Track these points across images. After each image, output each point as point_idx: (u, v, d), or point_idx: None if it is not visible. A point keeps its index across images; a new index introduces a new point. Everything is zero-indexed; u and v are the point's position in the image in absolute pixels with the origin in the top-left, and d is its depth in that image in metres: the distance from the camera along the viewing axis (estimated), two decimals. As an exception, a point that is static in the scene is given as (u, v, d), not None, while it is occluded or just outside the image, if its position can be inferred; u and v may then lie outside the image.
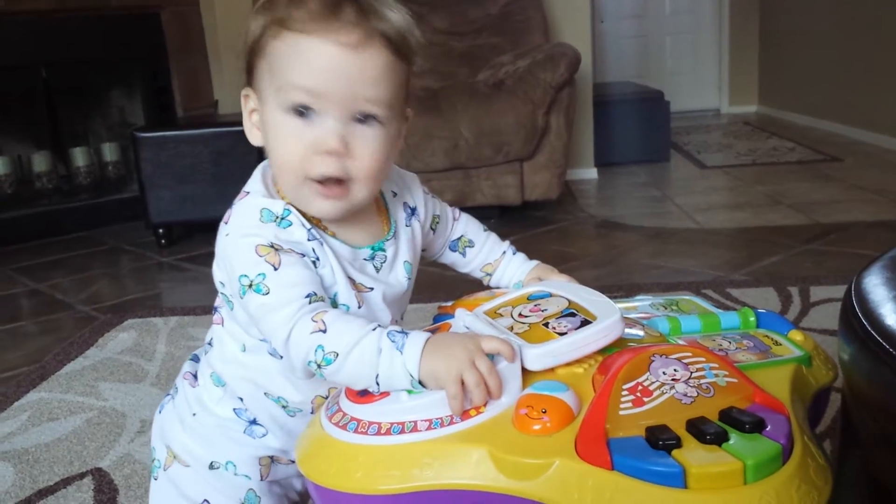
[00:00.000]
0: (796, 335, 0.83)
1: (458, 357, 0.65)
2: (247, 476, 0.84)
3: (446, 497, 0.62)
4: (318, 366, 0.69)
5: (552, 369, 0.69)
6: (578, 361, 0.69)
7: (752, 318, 0.86)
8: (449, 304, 0.88)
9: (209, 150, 2.95)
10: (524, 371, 0.68)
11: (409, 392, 0.67)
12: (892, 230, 2.70)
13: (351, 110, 0.72)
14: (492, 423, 0.64)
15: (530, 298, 0.79)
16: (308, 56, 0.71)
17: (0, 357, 2.06)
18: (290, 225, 0.75)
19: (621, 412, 0.63)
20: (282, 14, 0.72)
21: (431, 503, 0.63)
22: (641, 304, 0.92)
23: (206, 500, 0.83)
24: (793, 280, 2.16)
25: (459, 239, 0.94)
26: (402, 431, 0.65)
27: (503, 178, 3.04)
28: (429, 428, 0.65)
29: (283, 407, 0.82)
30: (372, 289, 0.78)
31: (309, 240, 0.75)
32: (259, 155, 0.81)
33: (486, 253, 0.94)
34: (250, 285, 0.71)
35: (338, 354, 0.68)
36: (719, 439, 0.60)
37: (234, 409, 0.83)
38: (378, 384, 0.68)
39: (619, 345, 0.71)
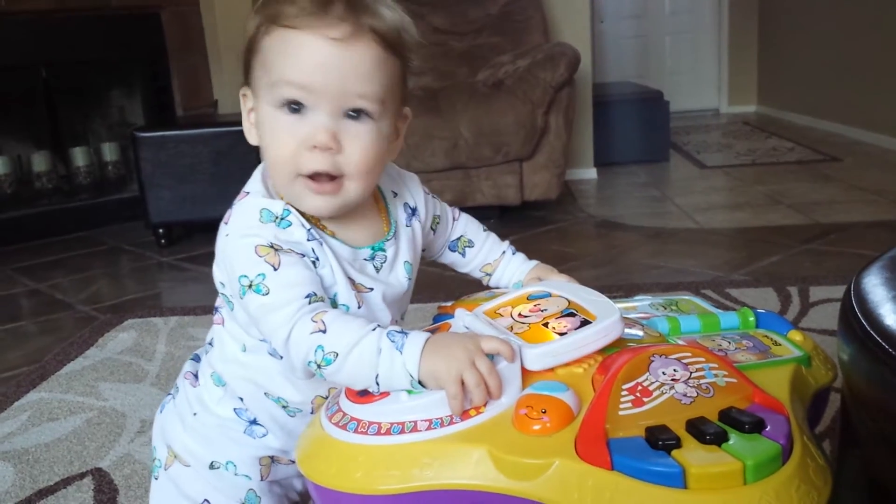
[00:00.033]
0: (796, 335, 0.83)
1: (458, 357, 0.65)
2: (247, 476, 0.84)
3: (446, 497, 0.62)
4: (318, 366, 0.69)
5: (552, 369, 0.69)
6: (578, 361, 0.69)
7: (752, 319, 0.86)
8: (449, 304, 0.88)
9: (209, 150, 2.95)
10: (524, 371, 0.68)
11: (409, 392, 0.67)
12: (892, 230, 2.70)
13: (342, 105, 0.72)
14: (492, 424, 0.64)
15: (530, 298, 0.79)
16: (298, 51, 0.71)
17: (0, 357, 2.06)
18: (289, 225, 0.75)
19: (621, 412, 0.63)
20: (274, 11, 0.73)
21: (431, 503, 0.63)
22: (641, 304, 0.92)
23: (206, 500, 0.83)
24: (792, 280, 2.16)
25: (459, 239, 0.94)
26: (401, 431, 0.65)
27: (503, 178, 3.04)
28: (429, 428, 0.65)
29: (284, 407, 0.82)
30: (372, 289, 0.79)
31: (308, 240, 0.75)
32: (259, 155, 0.82)
33: (485, 253, 0.94)
34: (250, 285, 0.72)
35: (337, 354, 0.68)
36: (719, 439, 0.60)
37: (235, 409, 0.83)
38: (378, 384, 0.68)
39: (619, 345, 0.71)
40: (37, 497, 1.35)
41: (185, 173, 2.96)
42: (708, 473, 0.58)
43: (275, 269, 0.71)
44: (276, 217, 0.75)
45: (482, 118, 2.95)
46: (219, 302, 0.83)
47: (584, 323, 0.71)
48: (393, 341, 0.68)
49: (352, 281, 0.77)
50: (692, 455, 0.59)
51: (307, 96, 0.72)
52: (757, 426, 0.62)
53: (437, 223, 0.91)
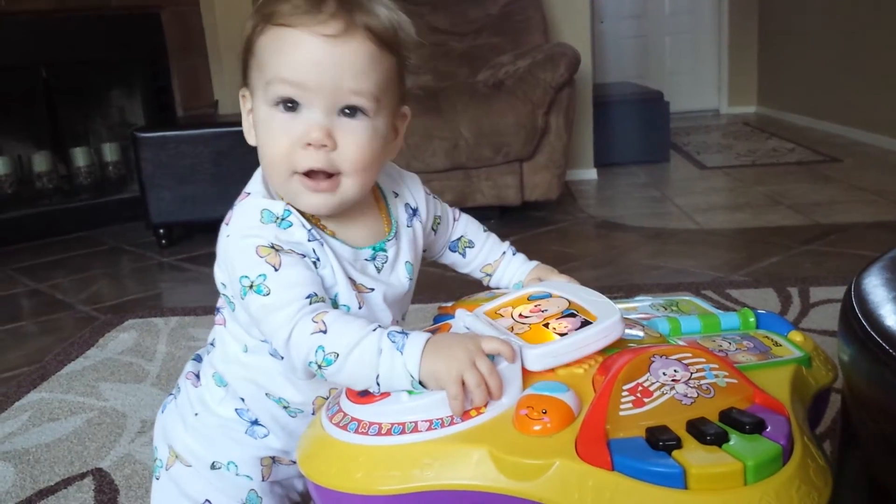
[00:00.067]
0: (796, 336, 0.83)
1: (459, 358, 0.65)
2: (248, 476, 0.84)
3: (447, 497, 0.63)
4: (319, 366, 0.69)
5: (552, 370, 0.69)
6: (579, 362, 0.69)
7: (752, 319, 0.86)
8: (449, 304, 0.88)
9: (209, 150, 2.96)
10: (524, 371, 0.68)
11: (410, 392, 0.67)
12: (892, 231, 2.70)
13: (336, 103, 0.72)
14: (492, 424, 0.64)
15: (530, 299, 0.79)
16: (291, 49, 0.71)
17: (1, 357, 2.07)
18: (290, 226, 0.75)
19: (621, 413, 0.63)
20: (269, 10, 0.73)
21: None
22: (641, 304, 0.92)
23: (207, 500, 0.83)
24: (792, 281, 2.16)
25: (459, 239, 0.94)
26: (402, 432, 0.65)
27: (503, 179, 3.04)
28: (429, 428, 0.65)
29: (285, 408, 0.82)
30: (373, 289, 0.79)
31: (309, 240, 0.75)
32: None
33: (485, 253, 0.94)
34: (251, 286, 0.72)
35: (338, 355, 0.68)
36: (719, 440, 0.60)
37: (236, 410, 0.83)
38: (378, 385, 0.68)
39: (620, 345, 0.71)
40: (37, 497, 1.35)
41: (186, 174, 2.96)
42: (708, 474, 0.58)
43: (276, 270, 0.72)
44: (277, 217, 0.75)
45: (482, 118, 2.96)
46: (220, 303, 0.83)
47: (585, 323, 0.71)
48: (393, 342, 0.68)
49: (353, 281, 0.77)
50: (693, 455, 0.59)
51: (301, 94, 0.72)
52: (757, 427, 0.62)
53: (438, 223, 0.91)
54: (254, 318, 0.74)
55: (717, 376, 0.68)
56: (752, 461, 0.58)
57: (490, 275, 0.94)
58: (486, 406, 0.65)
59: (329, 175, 0.74)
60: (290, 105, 0.73)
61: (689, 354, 0.70)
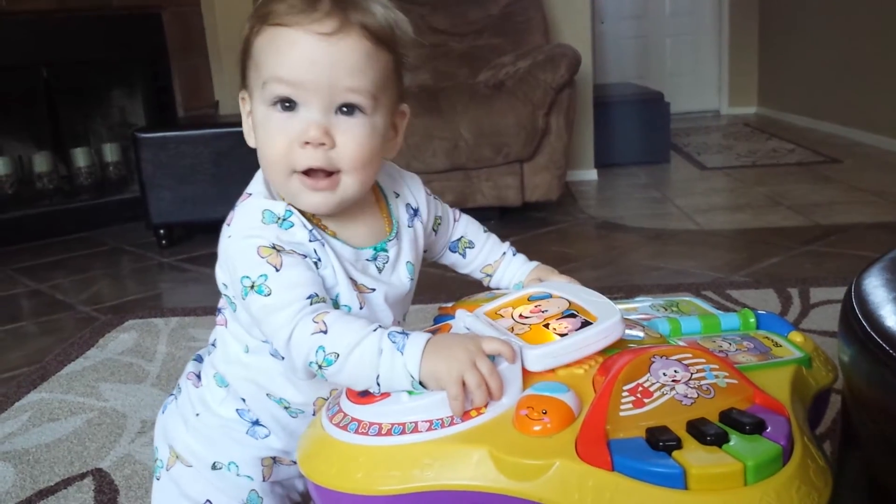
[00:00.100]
0: (796, 336, 0.83)
1: (459, 358, 0.65)
2: (249, 477, 0.84)
3: (447, 498, 0.63)
4: (319, 366, 0.69)
5: (553, 370, 0.69)
6: (579, 362, 0.69)
7: (752, 320, 0.86)
8: (449, 304, 0.88)
9: (210, 151, 2.96)
10: (524, 372, 0.68)
11: (410, 393, 0.67)
12: (892, 231, 2.70)
13: (332, 101, 0.72)
14: (492, 424, 0.64)
15: (531, 299, 0.79)
16: (286, 48, 0.72)
17: (1, 357, 2.07)
18: (291, 226, 0.75)
19: (622, 413, 0.63)
20: (265, 11, 0.73)
21: (432, 503, 0.63)
22: (641, 305, 0.92)
23: (208, 501, 0.84)
24: (792, 281, 2.16)
25: (459, 240, 0.94)
26: (402, 432, 0.65)
27: (503, 179, 3.04)
28: (429, 429, 0.65)
29: (286, 408, 0.82)
30: (374, 289, 0.79)
31: (310, 241, 0.75)
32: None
33: (486, 254, 0.94)
34: (252, 286, 0.72)
35: (338, 355, 0.68)
36: (719, 440, 0.60)
37: (237, 410, 0.83)
38: (379, 385, 0.68)
39: (620, 346, 0.71)
40: (37, 497, 1.35)
41: (186, 174, 2.96)
42: (708, 474, 0.58)
43: (277, 270, 0.72)
44: (279, 218, 0.75)
45: (483, 119, 2.96)
46: (221, 303, 0.83)
47: (585, 324, 0.71)
48: (394, 342, 0.68)
49: (354, 281, 0.77)
50: (693, 456, 0.59)
51: (297, 92, 0.72)
52: (757, 427, 0.62)
53: (439, 224, 0.91)
54: (255, 318, 0.74)
55: (717, 377, 0.68)
56: (752, 461, 0.58)
57: (490, 275, 0.94)
58: (486, 406, 0.65)
59: (328, 173, 0.74)
60: (288, 104, 0.73)
61: (690, 355, 0.70)
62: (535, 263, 0.93)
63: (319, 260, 0.75)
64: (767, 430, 0.62)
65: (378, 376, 0.68)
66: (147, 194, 2.98)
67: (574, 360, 0.69)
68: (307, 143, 0.73)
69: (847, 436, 0.92)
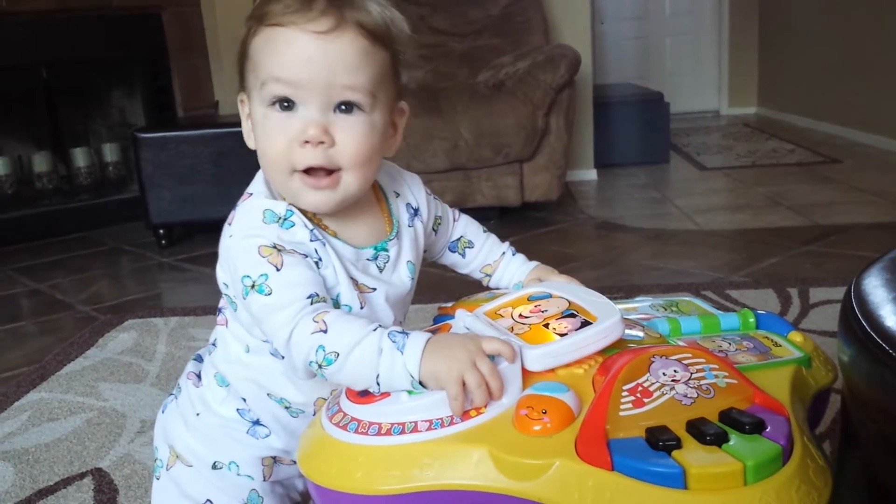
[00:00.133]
0: (796, 336, 0.83)
1: (459, 358, 0.65)
2: (249, 476, 0.84)
3: (447, 497, 0.63)
4: (319, 366, 0.69)
5: (552, 370, 0.69)
6: (579, 362, 0.69)
7: (752, 320, 0.86)
8: (449, 304, 0.88)
9: (210, 151, 2.96)
10: (524, 372, 0.68)
11: (410, 392, 0.67)
12: (892, 232, 2.70)
13: (330, 99, 0.73)
14: (492, 424, 0.64)
15: (530, 299, 0.79)
16: (283, 48, 0.72)
17: (0, 357, 2.07)
18: (292, 226, 0.75)
19: (621, 413, 0.63)
20: (261, 12, 0.74)
21: (432, 503, 0.63)
22: (641, 305, 0.92)
23: (208, 500, 0.84)
24: (792, 281, 2.16)
25: (459, 240, 0.94)
26: (402, 432, 0.65)
27: (503, 180, 3.04)
28: (429, 428, 0.65)
29: (286, 408, 0.82)
30: (375, 289, 0.79)
31: (311, 240, 0.75)
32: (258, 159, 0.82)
33: (485, 254, 0.94)
34: (253, 286, 0.72)
35: (338, 355, 0.68)
36: (719, 440, 0.60)
37: (238, 410, 0.83)
38: (379, 384, 0.68)
39: (620, 346, 0.71)
40: (37, 497, 1.35)
41: (186, 174, 2.97)
42: (708, 474, 0.58)
43: (277, 270, 0.72)
44: (279, 217, 0.75)
45: (483, 119, 2.96)
46: (222, 303, 0.83)
47: (585, 324, 0.71)
48: (394, 341, 0.68)
49: (354, 281, 0.77)
50: (692, 456, 0.59)
51: (295, 92, 0.72)
52: (757, 427, 0.62)
53: (439, 224, 0.91)
54: (255, 317, 0.74)
55: (716, 376, 0.68)
56: (751, 461, 0.58)
57: (490, 275, 0.94)
58: (485, 406, 0.65)
59: (329, 172, 0.74)
60: (286, 104, 0.73)
61: (689, 355, 0.70)
62: (534, 263, 0.93)
63: (320, 260, 0.75)
64: (767, 430, 0.62)
65: (378, 376, 0.68)
66: (147, 194, 2.98)
67: (574, 360, 0.69)
68: (307, 141, 0.73)
69: (847, 435, 0.92)
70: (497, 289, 0.93)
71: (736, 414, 0.64)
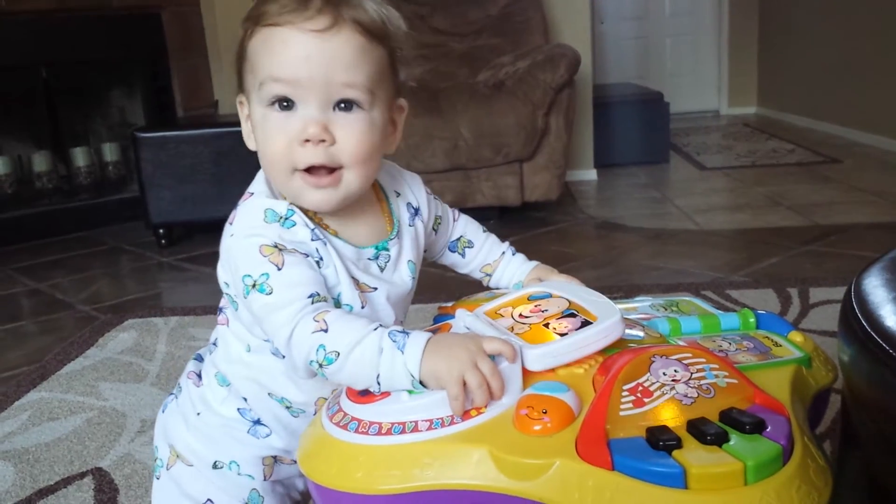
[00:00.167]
0: (796, 336, 0.83)
1: (460, 358, 0.65)
2: (250, 476, 0.84)
3: (447, 497, 0.63)
4: (320, 365, 0.70)
5: (553, 370, 0.69)
6: (579, 362, 0.69)
7: (752, 320, 0.86)
8: (449, 304, 0.88)
9: (209, 151, 2.96)
10: (524, 371, 0.68)
11: (410, 392, 0.67)
12: (892, 232, 2.70)
13: (329, 97, 0.73)
14: (492, 424, 0.64)
15: (531, 299, 0.79)
16: (281, 47, 0.72)
17: (0, 357, 2.07)
18: (293, 225, 0.75)
19: (622, 413, 0.63)
20: (257, 13, 0.74)
21: (432, 503, 0.63)
22: (641, 304, 0.92)
23: (209, 500, 0.84)
24: (792, 281, 2.16)
25: (459, 239, 0.94)
26: (402, 431, 0.65)
27: (503, 179, 3.04)
28: (429, 428, 0.65)
29: (287, 407, 0.82)
30: (376, 288, 0.79)
31: (313, 240, 0.75)
32: (259, 159, 0.82)
33: (485, 253, 0.94)
34: (254, 285, 0.72)
35: (339, 354, 0.68)
36: (720, 440, 0.60)
37: (239, 409, 0.83)
38: (379, 384, 0.68)
39: (620, 345, 0.71)
40: (37, 496, 1.35)
41: (186, 173, 2.97)
42: (709, 474, 0.58)
43: (278, 269, 0.72)
44: (281, 217, 0.75)
45: (482, 119, 2.96)
46: (223, 302, 0.83)
47: (585, 323, 0.71)
48: (394, 341, 0.68)
49: (355, 281, 0.77)
50: (693, 455, 0.59)
51: (294, 91, 0.72)
52: (758, 427, 0.62)
53: (439, 223, 0.91)
54: (256, 316, 0.74)
55: (717, 376, 0.68)
56: (752, 461, 0.58)
57: (490, 275, 0.94)
58: (486, 406, 0.65)
59: (330, 170, 0.74)
60: (286, 104, 0.73)
61: (690, 354, 0.70)
62: (534, 263, 0.93)
63: (321, 259, 0.75)
64: (767, 430, 0.62)
65: (378, 375, 0.68)
66: (146, 194, 2.98)
67: (574, 360, 0.69)
68: (307, 140, 0.73)
69: (847, 435, 0.92)
70: (497, 288, 0.93)
71: (736, 414, 0.64)
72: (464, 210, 0.96)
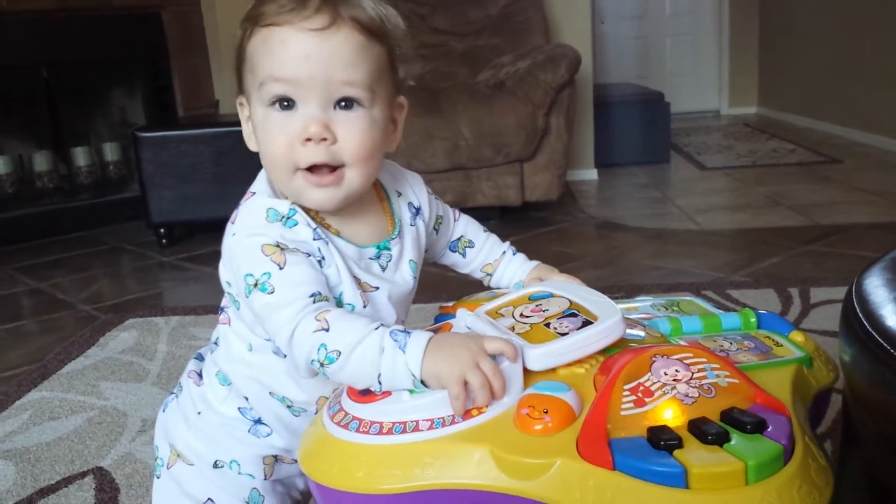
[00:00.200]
0: (797, 336, 0.83)
1: (462, 358, 0.65)
2: (251, 475, 0.84)
3: (448, 497, 0.63)
4: (321, 364, 0.70)
5: (554, 369, 0.69)
6: (580, 362, 0.69)
7: (753, 319, 0.86)
8: (450, 304, 0.88)
9: (210, 150, 2.96)
10: (525, 371, 0.68)
11: (411, 392, 0.67)
12: (892, 232, 2.70)
13: (330, 96, 0.73)
14: (493, 423, 0.64)
15: (532, 299, 0.79)
16: (280, 47, 0.72)
17: (1, 356, 2.07)
18: (295, 224, 0.75)
19: (623, 412, 0.63)
20: (256, 13, 0.74)
21: (433, 503, 0.63)
22: (642, 304, 0.92)
23: (209, 499, 0.84)
24: (793, 281, 2.16)
25: (459, 239, 0.94)
26: (403, 431, 0.65)
27: (503, 179, 3.04)
28: (430, 427, 0.65)
29: (288, 406, 0.82)
30: (377, 288, 0.79)
31: (314, 239, 0.75)
32: (260, 160, 0.82)
33: (486, 253, 0.94)
34: (256, 284, 0.72)
35: (340, 353, 0.68)
36: (721, 440, 0.60)
37: (239, 409, 0.83)
38: (380, 383, 0.68)
39: (621, 345, 0.71)
40: (38, 496, 1.35)
41: (187, 173, 2.97)
42: (710, 473, 0.58)
43: (280, 268, 0.72)
44: (283, 216, 0.75)
45: (483, 119, 2.96)
46: (225, 302, 0.83)
47: (586, 323, 0.71)
48: (396, 340, 0.68)
49: (357, 280, 0.77)
50: (694, 455, 0.59)
51: (294, 90, 0.72)
52: (759, 426, 0.62)
53: (440, 223, 0.91)
54: (258, 316, 0.74)
55: (718, 376, 0.68)
56: (753, 461, 0.58)
57: (490, 274, 0.94)
58: (487, 405, 0.65)
59: (333, 169, 0.74)
60: (286, 103, 0.73)
61: (691, 354, 0.69)
62: (535, 263, 0.93)
63: (323, 258, 0.75)
64: (769, 430, 0.62)
65: (380, 375, 0.68)
66: (147, 193, 2.99)
67: (575, 360, 0.69)
68: (308, 139, 0.73)
69: (848, 435, 0.92)
70: (498, 288, 0.93)
71: (737, 413, 0.63)
72: (464, 210, 0.96)
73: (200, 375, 0.87)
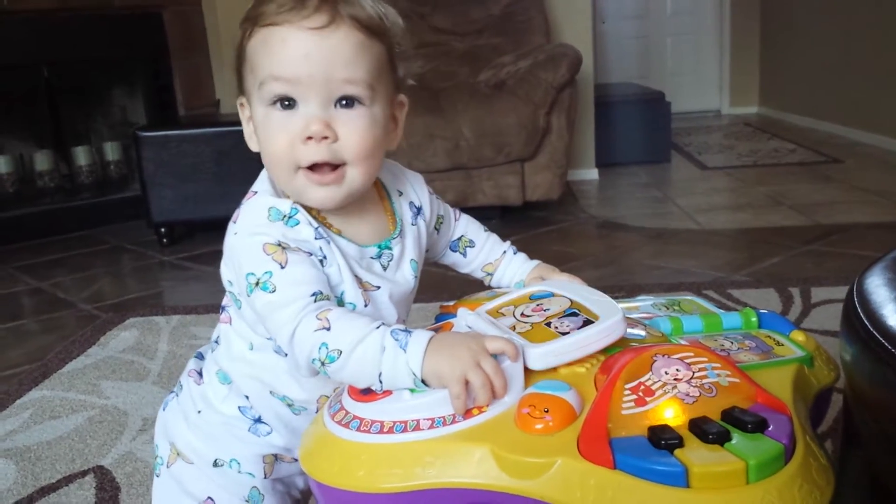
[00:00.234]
0: (798, 336, 0.83)
1: (463, 357, 0.65)
2: (251, 474, 0.84)
3: (448, 496, 0.63)
4: (322, 363, 0.70)
5: (554, 369, 0.69)
6: (581, 361, 0.69)
7: (754, 319, 0.86)
8: (451, 303, 0.88)
9: (211, 150, 2.96)
10: (526, 370, 0.68)
11: (412, 391, 0.67)
12: (893, 231, 2.70)
13: (330, 94, 0.73)
14: (494, 422, 0.64)
15: (532, 298, 0.79)
16: (280, 46, 0.72)
17: (2, 355, 2.07)
18: (297, 223, 0.75)
19: (623, 412, 0.63)
20: (255, 13, 0.74)
21: (434, 502, 0.63)
22: (643, 304, 0.92)
23: (209, 498, 0.84)
24: (794, 281, 2.16)
25: (460, 239, 0.94)
26: (404, 430, 0.65)
27: (504, 179, 3.04)
28: (431, 427, 0.65)
29: (289, 405, 0.82)
30: (379, 287, 0.79)
31: (316, 238, 0.75)
32: (260, 160, 0.82)
33: (486, 253, 0.94)
34: (257, 283, 0.72)
35: (341, 352, 0.68)
36: (722, 439, 0.60)
37: (240, 407, 0.83)
38: (381, 382, 0.68)
39: (622, 344, 0.71)
40: (39, 495, 1.35)
41: (187, 172, 2.97)
42: (710, 473, 0.58)
43: (282, 267, 0.72)
44: (284, 215, 0.75)
45: (484, 118, 2.96)
46: (226, 301, 0.83)
47: (587, 323, 0.71)
48: (396, 339, 0.68)
49: (358, 279, 0.77)
50: (695, 454, 0.59)
51: (295, 89, 0.72)
52: (760, 426, 0.62)
53: (441, 223, 0.91)
54: (259, 315, 0.74)
55: (719, 375, 0.68)
56: (754, 460, 0.58)
57: (491, 274, 0.94)
58: (488, 404, 0.65)
59: (334, 167, 0.74)
60: (287, 103, 0.73)
61: (692, 354, 0.69)
62: (535, 262, 0.93)
63: (325, 257, 0.75)
64: (769, 429, 0.62)
65: (380, 374, 0.68)
66: (148, 193, 2.99)
67: (576, 359, 0.69)
68: (309, 138, 0.73)
69: (849, 435, 0.92)
70: (498, 288, 0.93)
71: (738, 413, 0.63)
72: (465, 209, 0.96)
73: (201, 374, 0.87)
